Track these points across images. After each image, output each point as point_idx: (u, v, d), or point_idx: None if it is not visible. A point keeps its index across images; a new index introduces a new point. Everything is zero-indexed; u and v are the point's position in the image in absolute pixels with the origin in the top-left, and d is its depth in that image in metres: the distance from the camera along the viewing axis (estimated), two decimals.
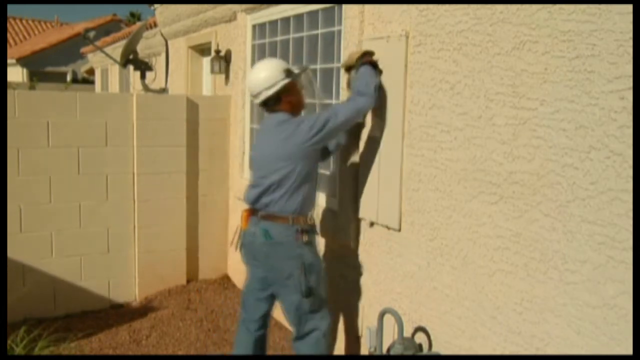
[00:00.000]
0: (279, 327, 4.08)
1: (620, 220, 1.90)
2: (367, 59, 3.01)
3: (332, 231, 3.53)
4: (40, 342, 3.36)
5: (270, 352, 3.78)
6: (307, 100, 3.26)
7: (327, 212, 3.60)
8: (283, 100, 2.97)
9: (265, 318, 3.17)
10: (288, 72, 2.97)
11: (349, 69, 3.12)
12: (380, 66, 3.06)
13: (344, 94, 3.41)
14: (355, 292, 3.42)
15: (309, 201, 2.98)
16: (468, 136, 2.54)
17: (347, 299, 3.48)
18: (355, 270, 3.42)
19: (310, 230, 2.97)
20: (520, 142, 2.28)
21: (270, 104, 2.99)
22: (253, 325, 3.15)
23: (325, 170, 3.77)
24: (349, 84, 3.20)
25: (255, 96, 3.01)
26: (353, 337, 3.47)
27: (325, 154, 3.25)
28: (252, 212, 3.02)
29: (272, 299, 3.12)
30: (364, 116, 3.13)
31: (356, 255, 3.41)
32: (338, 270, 3.56)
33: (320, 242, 3.69)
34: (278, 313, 4.12)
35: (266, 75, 2.94)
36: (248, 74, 3.12)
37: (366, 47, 3.20)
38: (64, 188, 4.46)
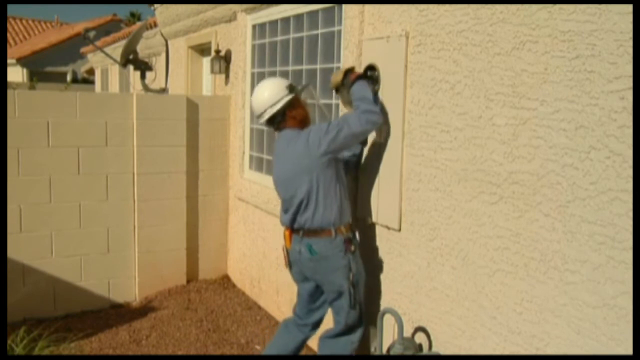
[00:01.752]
0: None
1: (620, 220, 1.90)
2: (354, 76, 2.99)
3: None
4: (40, 342, 3.37)
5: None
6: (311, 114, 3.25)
7: None
8: (288, 116, 3.00)
9: (318, 323, 3.20)
10: (291, 88, 3.01)
11: (337, 89, 3.11)
12: (380, 66, 3.07)
13: None
14: None
15: (345, 209, 2.97)
16: (468, 136, 2.54)
17: None
18: None
19: (354, 239, 3.00)
20: (520, 142, 2.28)
21: (277, 121, 3.02)
22: (306, 329, 3.19)
23: None
24: (345, 103, 3.16)
25: (259, 116, 3.04)
26: None
27: (346, 162, 3.19)
28: (293, 230, 3.02)
29: (323, 305, 3.15)
30: (377, 129, 3.05)
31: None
32: None
33: None
34: (281, 315, 4.12)
35: (270, 93, 2.98)
36: (251, 96, 3.14)
37: (366, 47, 3.21)
38: (64, 188, 4.46)
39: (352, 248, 2.93)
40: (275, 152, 3.15)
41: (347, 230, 2.95)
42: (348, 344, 3.03)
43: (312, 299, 3.12)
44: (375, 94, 3.02)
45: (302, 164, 2.89)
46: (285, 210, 3.03)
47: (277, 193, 3.12)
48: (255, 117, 3.15)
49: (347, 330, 3.01)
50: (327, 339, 3.08)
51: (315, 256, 2.92)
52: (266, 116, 3.00)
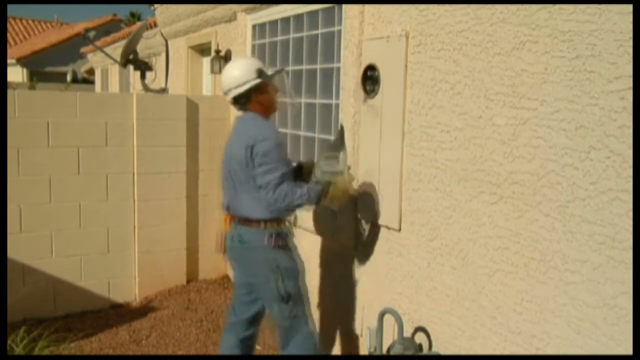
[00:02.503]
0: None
1: (620, 220, 1.90)
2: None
3: (332, 231, 3.53)
4: (40, 342, 3.36)
5: (270, 352, 3.79)
6: (280, 100, 3.19)
7: (327, 212, 3.59)
8: (253, 100, 2.95)
9: (253, 320, 3.14)
10: (260, 72, 2.94)
11: (309, 173, 3.06)
12: (380, 66, 3.07)
13: (344, 94, 3.41)
14: (355, 292, 3.42)
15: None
16: (468, 136, 2.54)
17: (347, 299, 3.48)
18: (355, 270, 3.42)
19: (284, 233, 2.93)
20: (520, 142, 2.28)
21: (241, 102, 2.97)
22: (241, 327, 3.13)
23: None
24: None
25: (226, 93, 2.99)
26: (353, 337, 3.47)
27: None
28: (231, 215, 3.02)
29: (259, 301, 3.09)
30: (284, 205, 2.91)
31: (356, 255, 3.41)
32: (338, 270, 3.56)
33: (320, 243, 3.69)
34: None
35: (238, 73, 2.92)
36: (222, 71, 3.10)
37: (366, 47, 3.21)
38: (64, 188, 4.46)
39: (280, 242, 2.87)
40: (232, 131, 3.08)
41: (279, 224, 2.89)
42: (307, 339, 2.96)
43: (246, 289, 3.07)
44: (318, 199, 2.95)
45: (241, 153, 2.84)
46: (224, 188, 3.02)
47: (222, 171, 3.08)
48: (222, 92, 3.08)
49: (295, 327, 2.93)
50: (280, 333, 3.00)
51: (244, 245, 2.91)
52: (232, 95, 2.95)
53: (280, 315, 2.93)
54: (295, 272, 2.94)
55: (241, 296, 3.12)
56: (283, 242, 2.90)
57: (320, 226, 3.64)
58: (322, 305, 3.75)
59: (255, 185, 2.83)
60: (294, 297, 2.91)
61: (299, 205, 2.88)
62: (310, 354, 2.98)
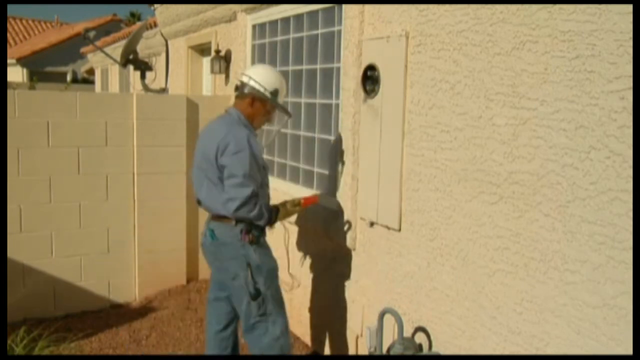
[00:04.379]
0: None
1: (620, 220, 1.90)
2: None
3: (332, 231, 3.53)
4: (40, 342, 3.36)
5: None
6: (266, 125, 3.29)
7: (327, 212, 3.60)
8: (248, 100, 2.99)
9: (228, 318, 3.15)
10: (274, 93, 3.01)
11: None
12: (380, 66, 3.07)
13: (344, 94, 3.41)
14: (355, 292, 3.42)
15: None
16: (468, 136, 2.54)
17: (347, 299, 3.48)
18: (355, 270, 3.42)
19: (255, 230, 2.91)
20: (520, 142, 2.28)
21: (240, 91, 3.02)
22: (216, 326, 3.15)
23: (325, 169, 3.77)
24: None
25: (241, 75, 3.07)
26: (353, 337, 3.47)
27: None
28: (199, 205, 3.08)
29: (229, 298, 3.10)
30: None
31: (356, 255, 3.41)
32: (338, 270, 3.56)
33: (320, 242, 3.70)
34: None
35: (265, 74, 3.01)
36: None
37: (366, 47, 3.21)
38: (64, 188, 4.46)
39: (251, 238, 2.86)
40: (211, 122, 3.11)
41: (250, 222, 2.88)
42: (272, 341, 2.94)
43: (219, 285, 3.11)
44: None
45: (211, 151, 2.86)
46: (195, 180, 3.05)
47: (194, 162, 3.10)
48: (240, 74, 3.12)
49: (260, 327, 2.92)
50: (245, 333, 2.99)
51: (215, 241, 2.92)
52: (243, 79, 3.01)
53: (248, 313, 2.91)
54: (266, 270, 2.92)
55: (214, 291, 3.18)
56: (254, 239, 2.89)
57: (320, 226, 3.64)
58: (322, 305, 3.75)
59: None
60: (263, 295, 2.90)
61: (258, 216, 2.88)
62: (275, 355, 2.96)
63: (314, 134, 3.93)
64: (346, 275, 3.49)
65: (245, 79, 3.02)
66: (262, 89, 2.98)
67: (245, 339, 3.03)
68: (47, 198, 4.41)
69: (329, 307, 3.68)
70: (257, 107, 3.01)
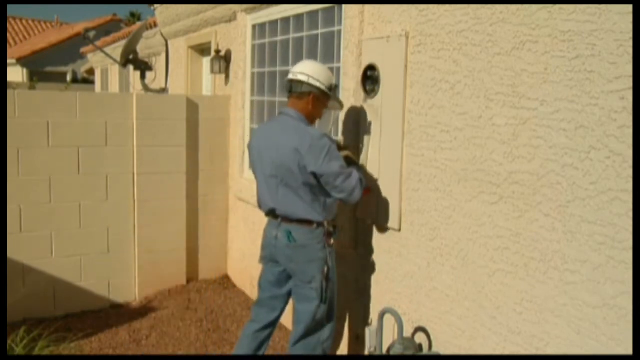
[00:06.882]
0: (279, 328, 4.07)
1: (620, 220, 1.90)
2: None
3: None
4: (40, 342, 3.36)
5: (269, 352, 3.78)
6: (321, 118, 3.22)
7: None
8: (305, 98, 2.94)
9: (272, 317, 3.15)
10: (332, 88, 3.00)
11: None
12: (380, 66, 3.07)
13: (344, 94, 3.41)
14: (355, 292, 3.42)
15: (330, 206, 2.92)
16: (468, 136, 2.54)
17: (347, 298, 3.48)
18: (355, 270, 3.42)
19: (334, 234, 2.96)
20: (520, 142, 2.28)
21: (296, 90, 2.94)
22: (257, 325, 3.13)
23: None
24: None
25: (294, 73, 2.96)
26: (353, 337, 3.47)
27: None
28: (270, 214, 3.00)
29: (287, 298, 3.11)
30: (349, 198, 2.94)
31: (356, 255, 3.41)
32: (338, 270, 3.55)
33: None
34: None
35: (321, 71, 2.96)
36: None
37: (366, 47, 3.21)
38: (64, 188, 4.46)
39: (331, 242, 2.90)
40: (267, 128, 3.06)
41: (329, 224, 2.92)
42: (318, 345, 2.98)
43: (279, 284, 3.07)
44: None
45: (287, 154, 2.82)
46: (262, 184, 3.00)
47: (252, 164, 3.08)
48: (290, 72, 3.03)
49: (315, 328, 2.95)
50: (294, 345, 3.01)
51: (292, 243, 2.90)
52: (299, 77, 2.92)
53: (312, 314, 2.92)
54: (335, 274, 2.98)
55: (272, 290, 3.10)
56: (332, 242, 2.92)
57: None
58: None
59: (310, 190, 2.82)
60: (331, 297, 2.94)
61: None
62: (318, 354, 2.99)
63: None
64: (346, 275, 3.49)
65: (303, 78, 2.92)
66: (323, 87, 2.94)
67: (294, 335, 3.01)
68: (47, 198, 4.41)
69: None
70: (316, 104, 2.97)
